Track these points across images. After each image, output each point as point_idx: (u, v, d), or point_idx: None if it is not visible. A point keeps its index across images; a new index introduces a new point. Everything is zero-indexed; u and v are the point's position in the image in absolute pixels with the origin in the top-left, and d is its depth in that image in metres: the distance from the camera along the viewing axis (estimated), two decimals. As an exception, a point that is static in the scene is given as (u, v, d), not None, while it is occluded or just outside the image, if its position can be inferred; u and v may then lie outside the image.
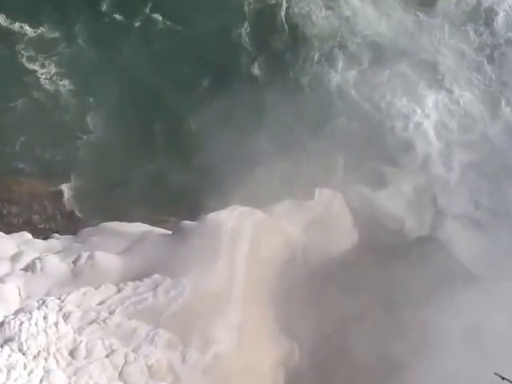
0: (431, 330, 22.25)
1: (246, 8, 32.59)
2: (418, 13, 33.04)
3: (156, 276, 21.54)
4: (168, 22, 31.93)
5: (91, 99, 30.39)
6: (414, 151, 30.24)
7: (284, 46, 32.22)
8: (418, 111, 30.94)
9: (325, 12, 32.60)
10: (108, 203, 28.39)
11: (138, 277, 21.57)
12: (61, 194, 28.65)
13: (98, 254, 22.46)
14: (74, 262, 22.52)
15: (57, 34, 31.19)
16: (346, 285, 23.74)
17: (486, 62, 32.11)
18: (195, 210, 26.12)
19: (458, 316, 22.26)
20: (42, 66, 30.58)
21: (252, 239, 23.39)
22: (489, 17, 32.96)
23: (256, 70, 31.62)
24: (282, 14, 32.50)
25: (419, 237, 27.64)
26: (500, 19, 32.85)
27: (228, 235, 23.12)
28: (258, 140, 28.91)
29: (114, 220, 25.63)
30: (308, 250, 25.03)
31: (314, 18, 32.36)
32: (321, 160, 29.00)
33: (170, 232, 24.17)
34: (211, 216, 23.75)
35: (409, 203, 29.08)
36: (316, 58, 31.96)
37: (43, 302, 20.40)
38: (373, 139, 30.32)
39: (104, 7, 31.85)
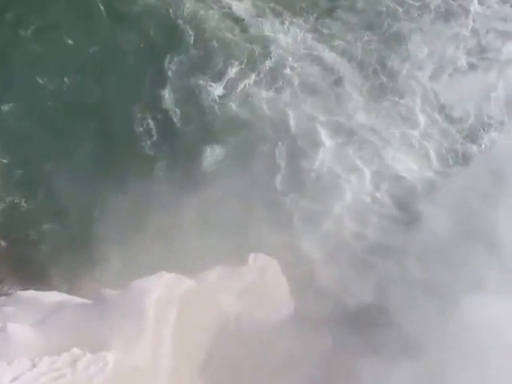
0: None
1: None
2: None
3: (75, 350, 21.11)
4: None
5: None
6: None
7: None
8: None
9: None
10: (21, 270, 27.73)
11: (56, 351, 21.10)
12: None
13: (11, 326, 21.88)
14: (-16, 335, 21.90)
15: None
16: (282, 361, 23.80)
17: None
18: (118, 277, 25.76)
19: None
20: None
21: (180, 309, 23.13)
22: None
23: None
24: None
25: (361, 305, 27.58)
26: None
27: (154, 305, 22.80)
28: (184, 200, 29.00)
29: (28, 288, 25.11)
30: (242, 319, 24.81)
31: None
32: (255, 223, 29.09)
33: (90, 301, 23.76)
34: (135, 284, 23.44)
35: (348, 267, 29.05)
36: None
37: None
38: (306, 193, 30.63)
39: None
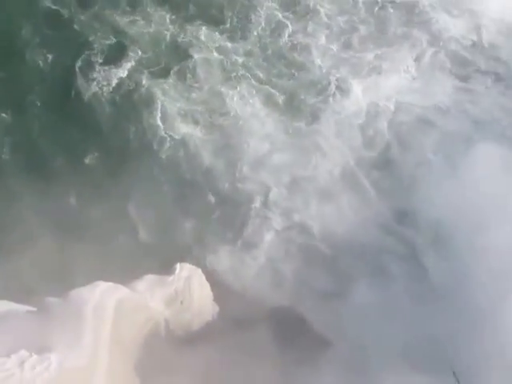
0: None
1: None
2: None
3: (22, 352, 23.20)
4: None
5: None
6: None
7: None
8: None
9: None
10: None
11: (5, 353, 23.14)
12: None
13: (-36, 334, 23.50)
14: None
15: None
16: (209, 357, 26.33)
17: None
18: (59, 285, 27.64)
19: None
20: None
21: (115, 315, 25.27)
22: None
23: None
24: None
25: (278, 307, 30.37)
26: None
27: (91, 312, 24.87)
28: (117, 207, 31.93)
29: (-24, 298, 26.49)
30: (171, 323, 27.51)
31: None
32: (180, 233, 32.15)
33: (35, 309, 25.69)
34: (74, 293, 25.48)
35: (267, 271, 31.81)
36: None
37: None
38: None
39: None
